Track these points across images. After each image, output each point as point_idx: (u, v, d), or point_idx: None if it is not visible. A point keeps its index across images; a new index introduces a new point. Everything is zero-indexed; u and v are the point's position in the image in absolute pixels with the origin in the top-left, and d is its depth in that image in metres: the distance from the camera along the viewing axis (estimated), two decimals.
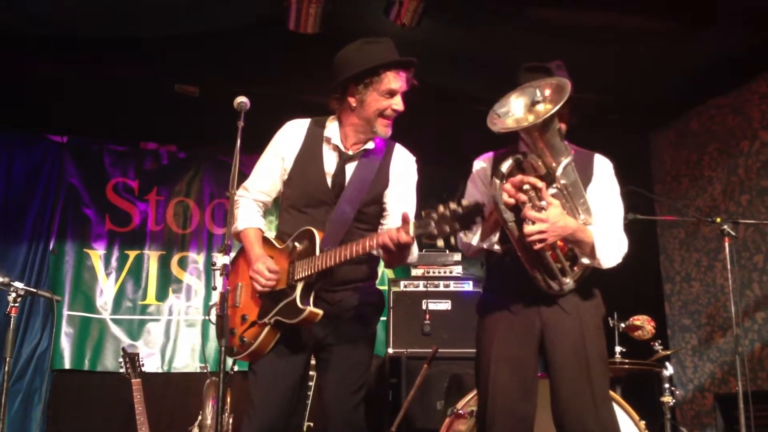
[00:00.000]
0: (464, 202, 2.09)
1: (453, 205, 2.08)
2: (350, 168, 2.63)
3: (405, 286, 5.03)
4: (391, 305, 4.96)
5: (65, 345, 5.18)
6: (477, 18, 4.26)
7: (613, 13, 4.21)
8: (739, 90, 4.93)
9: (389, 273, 5.91)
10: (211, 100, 5.00)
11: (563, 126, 2.43)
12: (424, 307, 4.90)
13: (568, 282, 2.44)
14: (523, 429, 2.43)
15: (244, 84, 4.52)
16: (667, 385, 3.94)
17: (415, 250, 2.52)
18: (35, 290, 3.22)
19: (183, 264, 5.60)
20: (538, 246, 2.31)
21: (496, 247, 2.51)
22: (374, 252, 2.47)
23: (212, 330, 2.81)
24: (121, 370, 4.30)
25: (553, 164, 2.33)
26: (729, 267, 3.54)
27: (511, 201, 2.30)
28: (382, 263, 2.74)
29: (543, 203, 2.29)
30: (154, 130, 5.62)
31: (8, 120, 5.26)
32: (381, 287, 5.86)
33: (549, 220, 2.29)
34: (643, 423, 3.39)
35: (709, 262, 5.05)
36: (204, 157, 5.81)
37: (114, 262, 5.45)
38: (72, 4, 4.13)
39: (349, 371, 2.57)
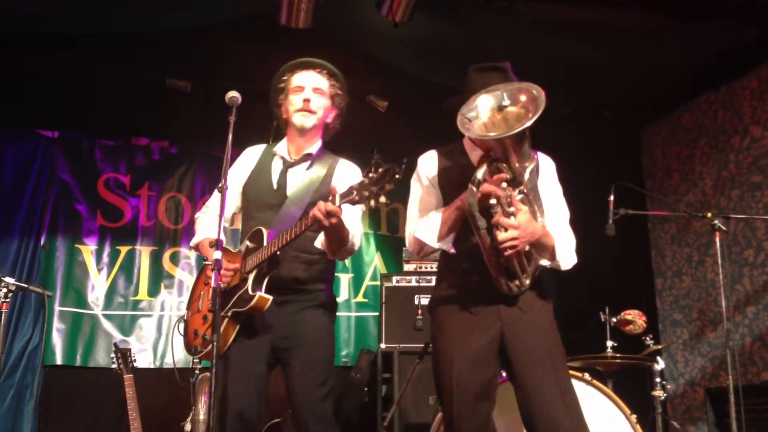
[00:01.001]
0: (380, 169, 2.28)
1: (371, 174, 2.29)
2: (294, 172, 2.84)
3: (397, 282, 5.03)
4: (384, 300, 4.96)
5: (57, 341, 5.16)
6: (469, 13, 4.26)
7: (605, 9, 4.22)
8: (729, 86, 4.95)
9: (381, 268, 5.92)
10: (202, 96, 4.99)
11: None
12: (416, 302, 4.90)
13: (527, 282, 2.46)
14: (485, 428, 2.45)
15: (236, 79, 4.51)
16: (658, 380, 3.96)
17: (356, 240, 2.70)
18: (26, 286, 3.21)
19: (175, 259, 5.59)
20: (509, 252, 2.32)
21: (452, 249, 2.53)
22: (319, 245, 2.69)
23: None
24: (113, 366, 4.30)
25: (519, 169, 2.34)
26: (720, 262, 3.55)
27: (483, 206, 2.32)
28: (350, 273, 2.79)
29: (512, 209, 2.32)
30: (145, 125, 5.59)
31: None
32: (373, 282, 5.93)
33: (520, 226, 2.31)
34: (634, 417, 3.40)
35: (700, 257, 5.07)
36: (196, 152, 5.80)
37: (105, 258, 5.43)
38: (63, 2, 4.11)
39: (311, 367, 2.67)
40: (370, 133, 5.69)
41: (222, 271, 2.62)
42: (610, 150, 5.49)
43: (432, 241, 2.51)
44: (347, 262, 5.92)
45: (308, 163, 2.85)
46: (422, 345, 4.26)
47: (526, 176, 2.37)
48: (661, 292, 5.40)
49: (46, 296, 3.30)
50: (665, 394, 4.00)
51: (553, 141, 2.79)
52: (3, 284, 3.05)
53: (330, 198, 2.40)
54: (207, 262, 2.82)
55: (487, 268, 2.40)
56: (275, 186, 2.82)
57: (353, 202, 2.34)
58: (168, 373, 5.26)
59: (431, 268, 5.09)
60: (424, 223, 2.54)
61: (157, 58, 4.83)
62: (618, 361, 3.89)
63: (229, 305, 2.64)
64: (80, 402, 5.07)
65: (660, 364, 3.98)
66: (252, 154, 2.98)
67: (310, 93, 2.82)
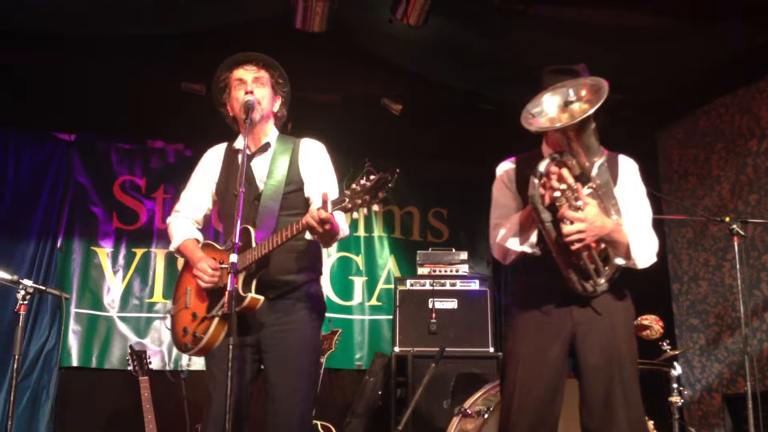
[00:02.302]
0: (372, 177, 2.32)
1: (362, 181, 2.33)
2: (257, 162, 2.84)
3: (411, 285, 5.02)
4: (397, 304, 4.95)
5: (73, 342, 5.20)
6: (484, 16, 4.25)
7: (621, 11, 4.19)
8: (746, 88, 4.90)
9: (395, 272, 5.91)
10: None
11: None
12: (430, 305, 4.90)
13: (602, 283, 2.41)
14: (546, 429, 2.42)
15: None
16: (675, 385, 3.93)
17: (344, 227, 2.69)
18: (44, 288, 3.22)
19: None
20: (576, 246, 2.30)
21: (537, 250, 2.50)
22: (307, 237, 2.68)
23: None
24: (129, 368, 4.32)
25: (587, 164, 2.32)
26: (738, 266, 3.52)
27: (548, 200, 2.30)
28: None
29: (579, 203, 2.29)
30: (160, 128, 5.62)
31: (16, 118, 5.27)
32: (387, 286, 5.92)
33: (587, 219, 2.28)
34: (651, 423, 3.38)
35: (717, 261, 5.02)
36: None
37: (121, 260, 5.46)
38: (78, 3, 4.14)
39: (292, 378, 2.66)
40: (383, 137, 5.70)
41: (210, 270, 2.69)
42: (625, 152, 5.44)
43: (513, 245, 2.52)
44: (361, 265, 5.92)
45: (268, 152, 2.87)
46: (436, 348, 4.26)
47: (595, 171, 2.34)
48: (678, 297, 5.36)
49: (63, 298, 3.31)
50: (682, 400, 3.96)
51: None
52: (21, 286, 3.06)
53: (322, 205, 2.43)
54: (221, 263, 2.77)
55: (559, 267, 2.38)
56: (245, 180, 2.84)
57: (345, 210, 2.37)
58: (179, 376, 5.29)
59: (445, 271, 5.08)
60: (504, 229, 2.54)
61: (172, 61, 4.85)
62: None
63: (220, 305, 2.66)
64: (96, 403, 5.10)
65: (677, 370, 3.95)
66: (215, 154, 3.01)
67: (251, 85, 2.82)
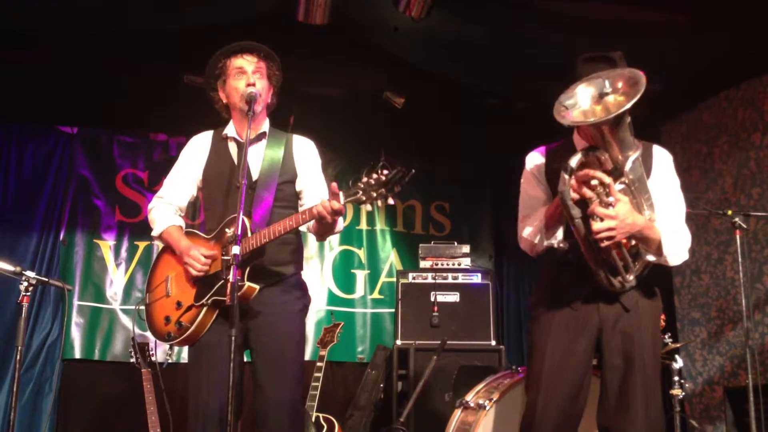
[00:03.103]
0: (386, 171, 2.32)
1: (376, 175, 2.33)
2: (252, 151, 2.78)
3: (413, 278, 5.03)
4: (399, 297, 4.96)
5: (75, 335, 5.21)
6: (486, 9, 4.24)
7: (624, 5, 4.18)
8: (750, 82, 4.89)
9: (397, 265, 5.92)
10: None
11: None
12: (432, 298, 4.90)
13: (630, 279, 2.38)
14: (570, 427, 2.41)
15: None
16: (676, 378, 3.94)
17: (340, 221, 2.69)
18: (47, 279, 3.21)
19: None
20: (605, 244, 2.25)
21: (563, 245, 2.46)
22: (304, 228, 2.67)
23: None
24: (132, 360, 4.33)
25: (620, 158, 2.26)
26: (740, 260, 3.51)
27: (578, 196, 2.25)
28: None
29: (611, 199, 2.23)
30: (163, 121, 5.62)
31: (19, 111, 5.28)
32: (389, 279, 5.91)
33: (618, 217, 2.23)
34: None
35: (719, 255, 5.02)
36: None
37: (124, 253, 5.47)
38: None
39: (282, 367, 2.65)
40: (385, 130, 5.69)
41: (202, 259, 2.66)
42: None
43: (539, 239, 2.49)
44: (363, 258, 5.92)
45: (262, 142, 2.86)
46: (438, 342, 4.27)
47: (628, 166, 2.27)
48: (680, 291, 5.36)
49: (66, 290, 3.31)
50: (683, 393, 3.98)
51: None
52: (24, 278, 3.06)
53: (333, 196, 2.41)
54: (223, 253, 2.70)
55: (588, 263, 2.34)
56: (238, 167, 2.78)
57: (358, 202, 2.36)
58: (186, 367, 5.27)
59: (447, 265, 5.09)
60: (531, 222, 2.52)
61: (174, 54, 4.85)
62: None
63: (210, 293, 2.64)
64: (98, 396, 5.11)
65: (678, 363, 3.96)
66: (202, 140, 2.98)
67: (252, 77, 2.79)
